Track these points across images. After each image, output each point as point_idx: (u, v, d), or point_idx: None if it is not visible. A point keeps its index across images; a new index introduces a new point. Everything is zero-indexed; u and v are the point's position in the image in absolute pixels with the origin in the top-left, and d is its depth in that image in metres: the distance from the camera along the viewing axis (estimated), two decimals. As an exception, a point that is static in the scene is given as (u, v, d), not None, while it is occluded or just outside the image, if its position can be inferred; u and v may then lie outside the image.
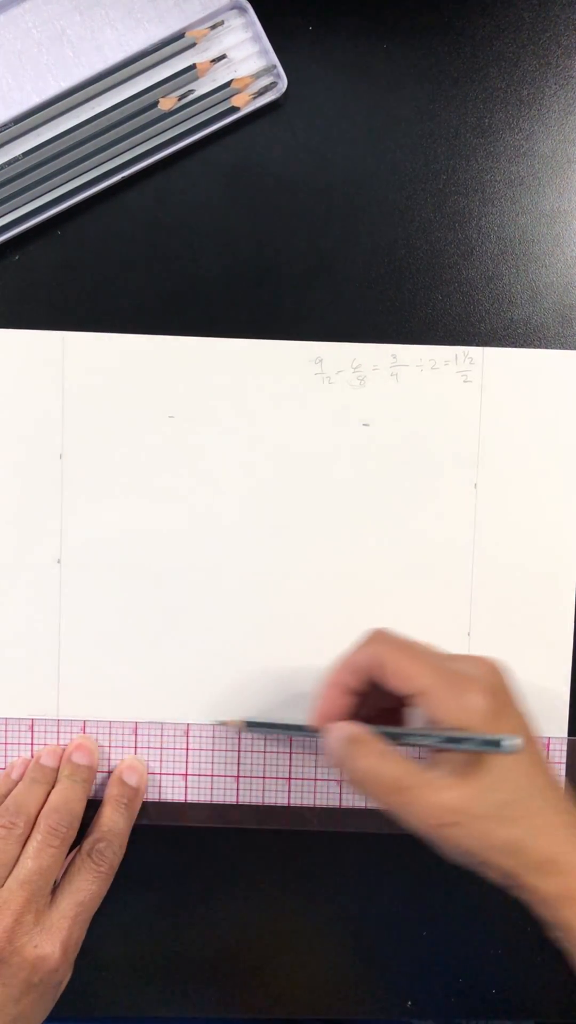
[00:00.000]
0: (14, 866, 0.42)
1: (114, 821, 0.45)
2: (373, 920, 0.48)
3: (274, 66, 0.46)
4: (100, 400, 0.47)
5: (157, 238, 0.47)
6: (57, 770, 0.45)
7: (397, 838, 0.47)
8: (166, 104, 0.46)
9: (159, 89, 0.46)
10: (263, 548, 0.47)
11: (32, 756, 0.47)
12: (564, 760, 0.47)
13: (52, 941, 0.40)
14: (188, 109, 0.46)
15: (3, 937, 0.40)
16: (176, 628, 0.47)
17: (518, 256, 0.47)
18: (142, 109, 0.46)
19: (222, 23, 0.46)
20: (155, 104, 0.46)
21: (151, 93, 0.46)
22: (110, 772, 0.47)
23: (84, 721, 0.47)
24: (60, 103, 0.46)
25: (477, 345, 0.47)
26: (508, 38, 0.47)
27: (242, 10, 0.46)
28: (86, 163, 0.46)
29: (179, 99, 0.46)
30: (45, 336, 0.46)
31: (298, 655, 0.47)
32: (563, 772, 0.47)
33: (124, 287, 0.47)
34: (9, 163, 0.46)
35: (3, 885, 0.41)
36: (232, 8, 0.46)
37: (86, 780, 0.45)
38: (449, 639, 0.47)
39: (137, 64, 0.46)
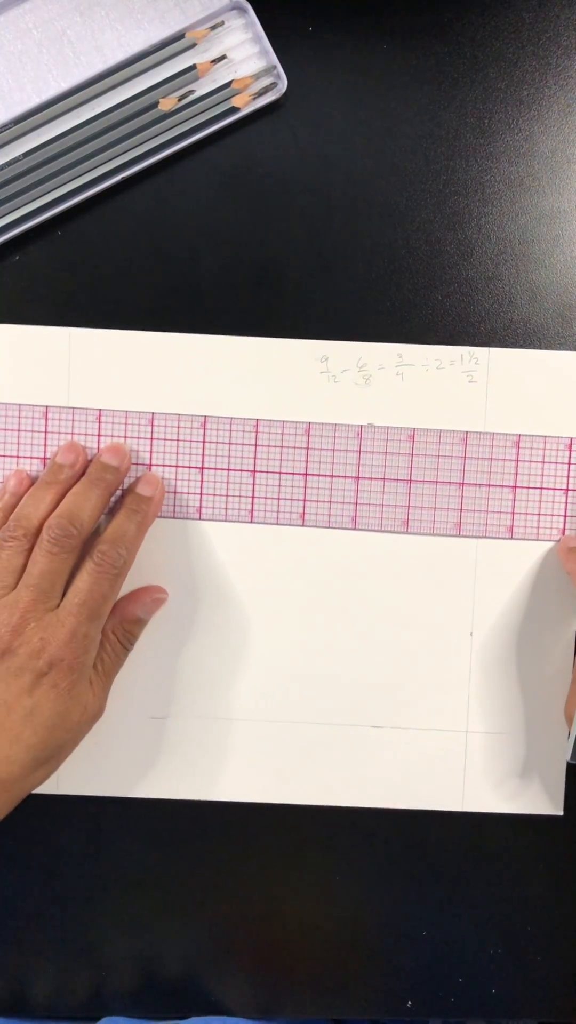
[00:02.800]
0: (22, 573, 0.43)
1: (123, 527, 0.44)
2: (373, 920, 0.48)
3: (274, 66, 0.46)
4: (105, 396, 0.47)
5: (157, 238, 0.47)
6: (74, 468, 0.45)
7: (397, 838, 0.47)
8: (166, 104, 0.46)
9: (159, 90, 0.46)
10: (264, 541, 0.47)
11: (44, 445, 0.46)
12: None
13: (57, 632, 0.41)
14: (188, 110, 0.46)
15: (10, 632, 0.41)
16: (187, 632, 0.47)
17: (518, 256, 0.47)
18: (142, 109, 0.46)
19: (222, 23, 0.46)
20: (155, 105, 0.46)
21: (151, 93, 0.46)
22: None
23: (100, 410, 0.47)
24: (60, 103, 0.46)
25: (477, 345, 0.47)
26: (508, 38, 0.47)
27: (242, 11, 0.46)
28: (86, 163, 0.46)
29: (179, 100, 0.46)
30: (52, 332, 0.47)
31: (298, 643, 0.47)
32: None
33: (124, 288, 0.47)
34: (9, 163, 0.46)
35: (13, 590, 0.42)
36: (232, 8, 0.46)
37: (109, 484, 0.45)
38: (451, 638, 0.47)
39: (137, 64, 0.46)
